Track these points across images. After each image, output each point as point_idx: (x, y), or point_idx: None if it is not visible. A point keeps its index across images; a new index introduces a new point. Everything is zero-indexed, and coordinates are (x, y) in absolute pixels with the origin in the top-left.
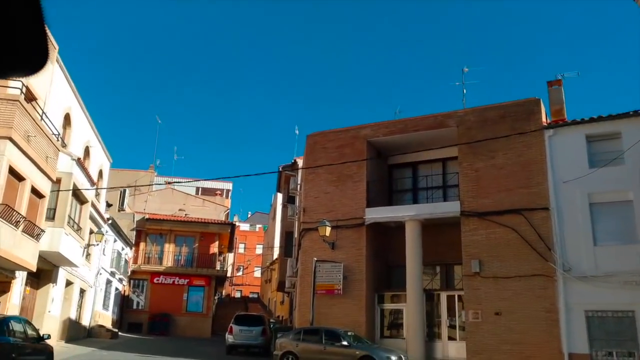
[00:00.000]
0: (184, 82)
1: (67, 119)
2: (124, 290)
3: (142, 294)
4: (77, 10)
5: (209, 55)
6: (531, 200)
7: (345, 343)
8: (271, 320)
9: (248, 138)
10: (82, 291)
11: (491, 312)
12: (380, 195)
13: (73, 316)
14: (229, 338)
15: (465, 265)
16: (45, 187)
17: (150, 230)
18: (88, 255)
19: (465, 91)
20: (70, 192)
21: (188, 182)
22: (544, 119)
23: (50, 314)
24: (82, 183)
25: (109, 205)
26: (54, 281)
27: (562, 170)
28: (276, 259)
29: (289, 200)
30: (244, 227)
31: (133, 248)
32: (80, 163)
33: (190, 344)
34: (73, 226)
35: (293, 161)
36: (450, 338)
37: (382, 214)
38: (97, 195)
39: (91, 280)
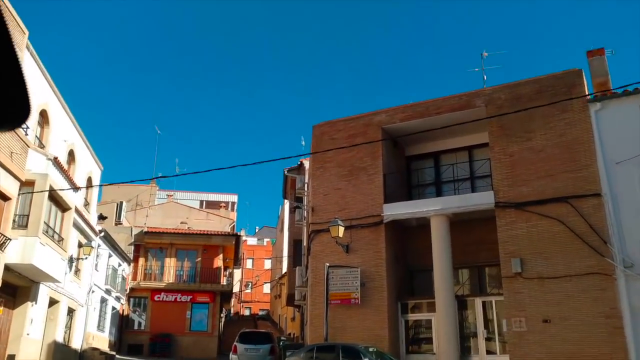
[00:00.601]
0: (182, 88)
1: (43, 117)
2: (122, 310)
3: (142, 313)
4: (68, 12)
5: (205, 57)
6: (578, 186)
7: None
8: (281, 337)
9: (253, 148)
10: (70, 311)
11: (538, 320)
12: (398, 190)
13: (60, 339)
14: (233, 358)
15: (504, 266)
16: (10, 187)
17: (149, 244)
18: (77, 271)
19: (485, 77)
20: (46, 196)
21: (189, 194)
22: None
23: (29, 337)
24: (62, 187)
25: (102, 217)
26: (33, 299)
27: (613, 150)
28: (285, 272)
29: (296, 204)
30: (252, 241)
31: (131, 264)
32: (57, 163)
33: None
34: (53, 236)
35: (299, 163)
36: (489, 352)
37: (403, 210)
38: (87, 205)
39: (82, 299)
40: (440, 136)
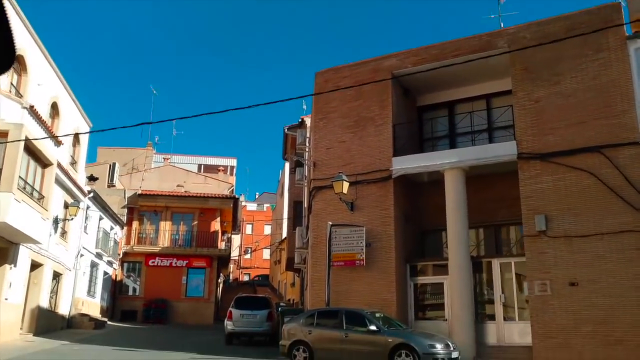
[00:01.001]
0: (178, 47)
1: (20, 63)
2: (115, 275)
3: (136, 278)
4: None
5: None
6: (614, 134)
7: (373, 328)
8: (280, 303)
9: (253, 109)
10: (56, 275)
11: (564, 283)
12: (408, 143)
13: (45, 304)
14: (228, 325)
15: (527, 223)
16: None
17: (143, 207)
18: (64, 233)
19: (502, 25)
20: (21, 148)
21: (187, 159)
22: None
23: (7, 301)
24: (42, 141)
25: (93, 178)
26: (12, 262)
27: None
28: (285, 237)
29: (297, 164)
30: (251, 207)
31: (125, 227)
32: (34, 112)
33: (187, 333)
34: (32, 194)
35: (300, 120)
36: (507, 319)
37: (414, 164)
38: (74, 163)
39: (69, 263)
40: (455, 83)
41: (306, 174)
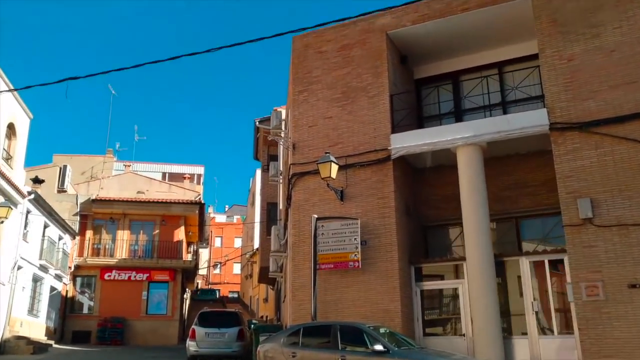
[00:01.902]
0: (138, 40)
1: None
2: (66, 291)
3: (90, 294)
4: None
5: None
6: None
7: (378, 347)
8: (253, 320)
9: (221, 111)
10: None
11: (621, 284)
12: (407, 120)
13: None
14: (191, 346)
15: (567, 210)
16: None
17: (98, 215)
18: None
19: None
20: None
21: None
22: None
23: None
24: None
25: (38, 181)
26: None
27: None
28: (257, 248)
29: (270, 159)
30: (220, 218)
31: (77, 237)
32: None
33: (146, 356)
34: None
35: (273, 111)
36: (544, 332)
37: (418, 140)
38: (9, 159)
39: (2, 275)
40: (462, 50)
41: (281, 169)
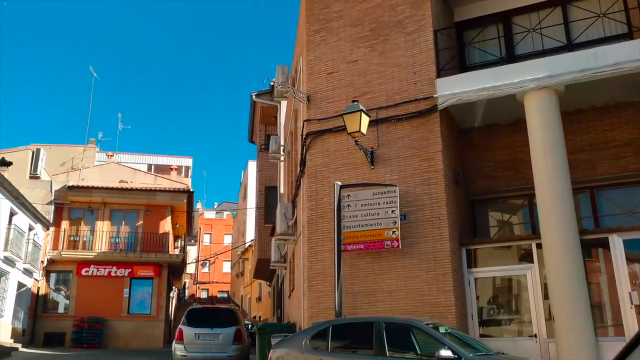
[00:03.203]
0: (122, 18)
1: None
2: (37, 288)
3: (66, 291)
4: None
5: None
6: None
7: (446, 354)
8: (245, 321)
9: (212, 97)
10: None
11: None
12: (450, 66)
13: None
14: (178, 350)
15: None
16: None
17: (75, 203)
18: None
19: None
20: None
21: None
22: None
23: None
24: None
25: (5, 163)
26: None
27: None
28: (250, 245)
29: (268, 140)
30: (209, 215)
31: (51, 228)
32: None
33: None
34: None
35: (271, 85)
36: None
37: (473, 84)
38: None
39: None
40: None
41: (282, 143)
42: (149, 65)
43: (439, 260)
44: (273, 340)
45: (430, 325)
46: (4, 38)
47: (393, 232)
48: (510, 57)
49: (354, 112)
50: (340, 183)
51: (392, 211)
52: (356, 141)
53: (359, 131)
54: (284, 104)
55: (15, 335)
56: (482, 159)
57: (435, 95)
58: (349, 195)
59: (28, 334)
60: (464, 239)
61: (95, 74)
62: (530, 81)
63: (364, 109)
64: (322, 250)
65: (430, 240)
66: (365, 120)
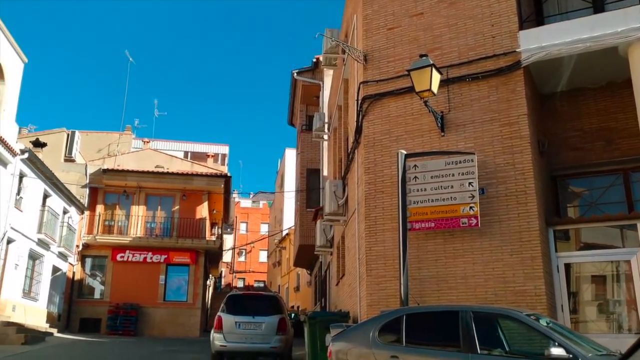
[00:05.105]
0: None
1: None
2: (73, 272)
3: (101, 276)
4: None
5: None
6: None
7: (558, 353)
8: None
9: (248, 83)
10: None
11: None
12: (531, 18)
13: None
14: (217, 339)
15: None
16: None
17: (110, 187)
18: None
19: None
20: None
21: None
22: None
23: None
24: None
25: (40, 144)
26: None
27: None
28: (287, 233)
29: (308, 122)
30: (245, 204)
31: (86, 212)
32: None
33: (160, 350)
34: None
35: (314, 61)
36: None
37: (564, 36)
38: None
39: None
40: None
41: (326, 120)
42: (185, 50)
43: (525, 241)
44: (332, 331)
45: (532, 317)
46: (43, 25)
47: (471, 207)
48: (599, 8)
49: (423, 67)
50: (404, 152)
51: (470, 183)
52: (425, 102)
53: (429, 90)
54: (327, 81)
55: (50, 319)
56: (567, 129)
57: (518, 50)
58: (415, 165)
59: (64, 319)
60: (551, 218)
61: (131, 59)
62: (638, 29)
63: (434, 63)
64: (382, 230)
65: (515, 217)
66: (436, 77)
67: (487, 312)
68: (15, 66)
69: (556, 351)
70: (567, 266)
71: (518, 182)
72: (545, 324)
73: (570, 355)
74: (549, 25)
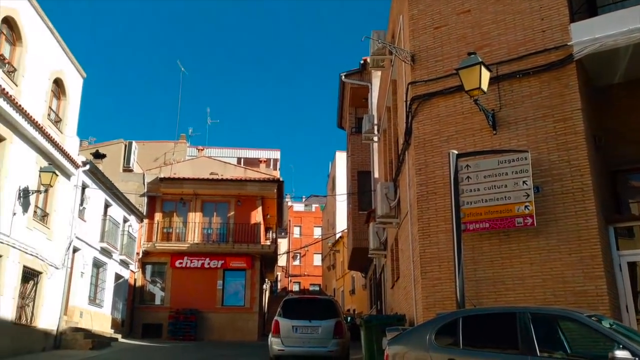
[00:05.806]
0: (210, 14)
1: None
2: (134, 279)
3: (161, 283)
4: None
5: None
6: None
7: (623, 355)
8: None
9: (300, 91)
10: (31, 273)
11: None
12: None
13: (8, 314)
14: (274, 343)
15: None
16: None
17: (167, 195)
18: (45, 215)
19: None
20: None
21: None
22: None
23: None
24: None
25: (99, 156)
26: None
27: None
28: (341, 236)
29: (358, 124)
30: (298, 207)
31: (145, 220)
32: None
33: (219, 354)
34: None
35: (362, 62)
36: None
37: (620, 26)
38: (58, 122)
39: (54, 257)
40: None
41: (376, 122)
42: (235, 58)
43: (584, 239)
44: (388, 334)
45: (593, 318)
46: (98, 38)
47: (526, 206)
48: None
49: (472, 65)
50: (456, 152)
51: (524, 182)
52: (476, 100)
53: (479, 88)
54: (375, 83)
55: (115, 325)
56: (625, 122)
57: (570, 43)
58: (467, 165)
59: (127, 325)
60: (611, 215)
61: (183, 69)
62: None
63: (483, 61)
64: (435, 232)
65: (573, 216)
66: (485, 74)
67: (546, 313)
68: (75, 82)
69: (621, 354)
70: (632, 265)
71: (574, 179)
72: (608, 326)
73: (637, 358)
74: (603, 16)
